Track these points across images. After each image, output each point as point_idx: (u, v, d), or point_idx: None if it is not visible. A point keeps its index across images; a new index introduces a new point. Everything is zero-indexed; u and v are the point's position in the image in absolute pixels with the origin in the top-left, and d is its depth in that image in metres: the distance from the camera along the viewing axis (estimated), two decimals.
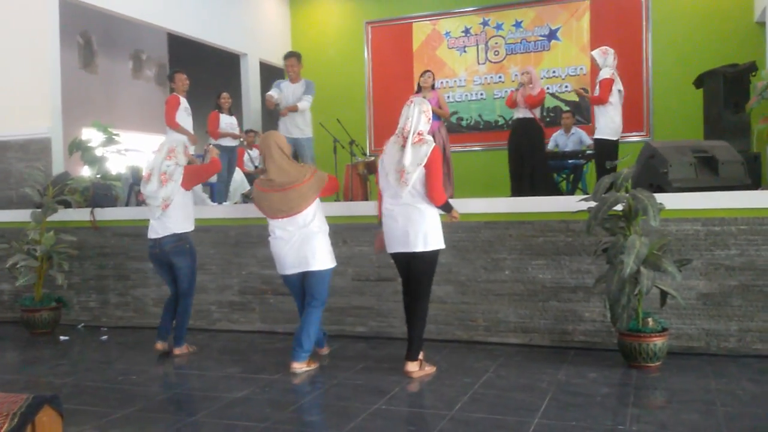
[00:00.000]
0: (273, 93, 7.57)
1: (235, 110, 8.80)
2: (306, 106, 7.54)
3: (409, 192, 4.39)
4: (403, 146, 4.40)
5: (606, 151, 7.02)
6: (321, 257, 4.72)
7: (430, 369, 4.62)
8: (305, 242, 4.68)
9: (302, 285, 4.82)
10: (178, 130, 7.45)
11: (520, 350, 5.20)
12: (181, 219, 5.27)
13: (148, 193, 5.23)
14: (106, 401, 4.20)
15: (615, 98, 7.18)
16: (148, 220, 5.27)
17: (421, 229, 4.41)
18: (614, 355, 4.80)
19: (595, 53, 7.39)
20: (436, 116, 8.03)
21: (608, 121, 7.18)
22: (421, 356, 4.63)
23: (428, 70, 8.54)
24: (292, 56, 7.72)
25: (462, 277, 5.53)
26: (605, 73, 7.19)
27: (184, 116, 7.59)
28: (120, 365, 5.23)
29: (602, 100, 7.13)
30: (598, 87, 7.24)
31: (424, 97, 8.02)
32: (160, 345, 5.42)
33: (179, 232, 5.26)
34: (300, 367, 4.72)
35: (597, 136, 7.31)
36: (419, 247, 4.43)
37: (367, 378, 4.56)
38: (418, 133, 4.41)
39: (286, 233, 4.70)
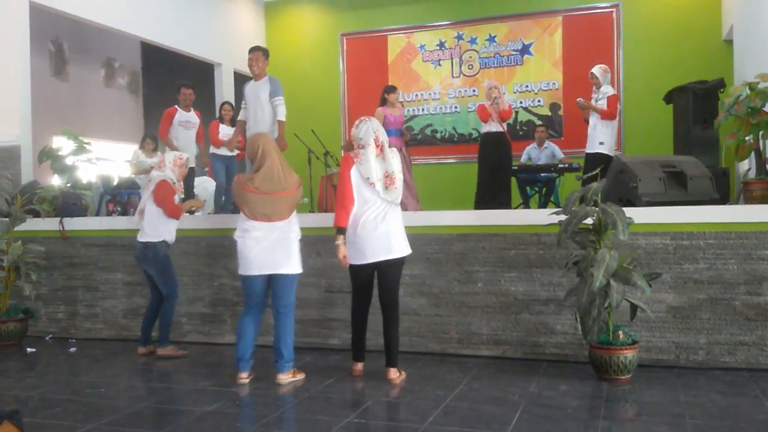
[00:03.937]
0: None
1: (209, 120, 8.76)
2: (284, 112, 6.78)
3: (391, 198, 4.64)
4: (380, 156, 4.65)
5: (605, 165, 7.08)
6: (294, 262, 4.76)
7: (403, 373, 4.76)
8: (280, 246, 4.69)
9: (263, 290, 4.79)
10: (166, 143, 7.71)
11: (492, 362, 5.21)
12: (149, 229, 5.51)
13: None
14: (73, 415, 4.12)
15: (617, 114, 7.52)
16: (118, 230, 5.30)
17: (402, 235, 4.68)
18: (585, 367, 4.84)
19: (596, 71, 7.62)
20: (400, 133, 8.10)
21: (613, 137, 7.49)
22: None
23: (396, 88, 8.44)
24: (258, 50, 6.84)
25: (435, 290, 5.54)
26: (610, 90, 7.53)
27: (181, 130, 7.72)
28: (88, 378, 5.14)
29: (612, 115, 7.42)
30: (605, 102, 7.43)
31: (385, 114, 8.05)
32: (141, 350, 5.74)
33: (145, 240, 5.51)
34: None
35: (602, 150, 7.41)
36: (402, 252, 4.65)
37: (340, 391, 4.53)
38: (390, 146, 4.79)
39: (261, 235, 4.69)
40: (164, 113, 7.82)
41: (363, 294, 4.79)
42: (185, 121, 7.78)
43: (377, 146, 4.67)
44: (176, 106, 7.80)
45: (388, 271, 4.66)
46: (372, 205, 4.60)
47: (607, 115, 7.44)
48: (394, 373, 4.68)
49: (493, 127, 7.89)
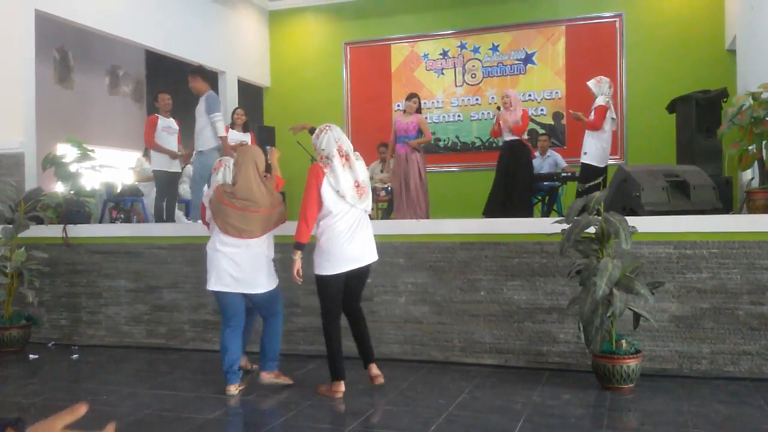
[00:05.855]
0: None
1: None
2: (222, 128, 7.08)
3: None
4: (346, 165, 4.51)
5: (592, 177, 7.08)
6: (271, 279, 4.73)
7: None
8: (257, 265, 4.62)
9: (240, 305, 4.72)
10: (154, 148, 7.67)
11: (495, 371, 5.20)
12: None
13: None
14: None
15: (608, 125, 7.46)
16: (121, 237, 5.21)
17: (373, 239, 4.67)
18: (588, 376, 4.83)
19: (591, 83, 7.68)
20: (403, 140, 7.95)
21: (598, 148, 7.48)
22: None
23: (416, 95, 8.26)
24: (192, 73, 7.35)
25: (438, 298, 5.54)
26: (600, 101, 7.55)
27: (164, 136, 7.71)
28: (90, 385, 5.14)
29: (596, 127, 7.43)
30: (593, 113, 7.46)
31: (396, 120, 8.03)
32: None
33: None
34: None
35: (585, 161, 7.48)
36: (373, 258, 4.65)
37: (342, 399, 4.52)
38: (354, 150, 4.64)
39: (231, 251, 4.59)
40: (147, 121, 7.86)
41: (338, 307, 4.63)
42: (167, 127, 7.80)
43: (341, 156, 4.51)
44: (156, 113, 7.80)
45: (358, 278, 4.63)
46: (345, 215, 4.47)
47: (591, 126, 7.49)
48: (377, 368, 4.71)
49: (508, 136, 7.92)
